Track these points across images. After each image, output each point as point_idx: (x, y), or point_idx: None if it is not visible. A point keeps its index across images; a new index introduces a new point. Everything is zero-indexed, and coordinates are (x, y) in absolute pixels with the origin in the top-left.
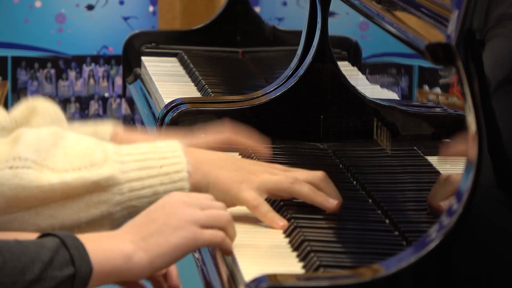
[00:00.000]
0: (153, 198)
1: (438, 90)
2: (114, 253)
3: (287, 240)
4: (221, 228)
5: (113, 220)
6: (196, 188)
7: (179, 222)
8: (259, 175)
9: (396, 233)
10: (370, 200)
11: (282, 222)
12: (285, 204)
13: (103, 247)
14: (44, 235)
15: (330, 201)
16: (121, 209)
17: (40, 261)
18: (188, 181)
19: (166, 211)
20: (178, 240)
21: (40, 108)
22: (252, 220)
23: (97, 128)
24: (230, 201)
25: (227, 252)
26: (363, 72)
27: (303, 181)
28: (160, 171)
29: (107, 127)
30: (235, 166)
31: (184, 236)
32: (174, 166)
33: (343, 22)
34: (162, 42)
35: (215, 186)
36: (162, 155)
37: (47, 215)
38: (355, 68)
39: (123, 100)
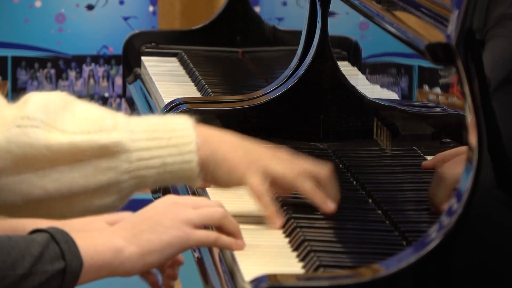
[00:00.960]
0: (161, 169)
1: (438, 90)
2: (105, 247)
3: (287, 240)
4: (217, 225)
5: (120, 190)
6: (203, 163)
7: (171, 222)
8: (266, 160)
9: (396, 233)
10: (370, 200)
11: (280, 221)
12: (285, 203)
13: (93, 242)
14: (34, 231)
15: (328, 203)
16: (128, 178)
17: (30, 255)
18: (197, 154)
19: (159, 211)
20: (169, 238)
21: None
22: (252, 219)
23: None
24: (235, 182)
25: (227, 248)
26: (363, 72)
27: (307, 174)
28: (168, 142)
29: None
30: (243, 147)
31: (176, 235)
32: (183, 138)
33: (343, 22)
34: (162, 42)
35: (222, 164)
36: (171, 127)
37: (54, 178)
38: (355, 68)
39: (123, 100)
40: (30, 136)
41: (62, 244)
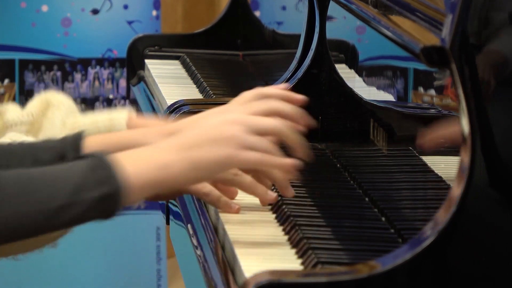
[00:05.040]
0: None
1: (432, 92)
2: (156, 164)
3: (286, 237)
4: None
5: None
6: None
7: (223, 140)
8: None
9: (392, 230)
10: (366, 199)
11: (237, 206)
12: (284, 202)
13: (142, 159)
14: (80, 157)
15: (269, 193)
16: None
17: (71, 184)
18: None
19: (213, 126)
20: (219, 156)
21: (54, 101)
22: (252, 218)
23: (112, 115)
24: (182, 188)
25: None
26: (360, 75)
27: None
28: None
29: (123, 114)
30: None
31: (225, 154)
32: None
33: (340, 26)
34: (165, 45)
35: None
36: None
37: None
38: (352, 70)
39: (127, 101)
40: None
41: (107, 168)
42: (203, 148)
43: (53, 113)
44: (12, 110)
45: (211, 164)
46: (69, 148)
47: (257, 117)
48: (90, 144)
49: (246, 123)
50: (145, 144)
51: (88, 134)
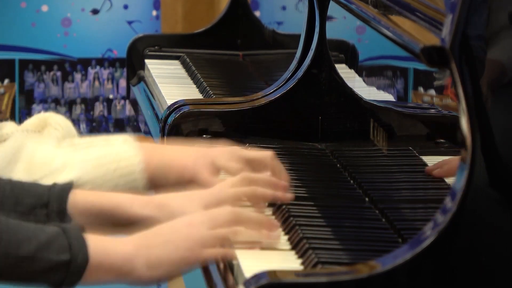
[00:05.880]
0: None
1: (432, 92)
2: (116, 252)
3: (286, 237)
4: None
5: None
6: (153, 178)
7: (183, 242)
8: (212, 153)
9: (392, 230)
10: (366, 199)
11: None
12: (284, 202)
13: (105, 244)
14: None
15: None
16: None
17: (37, 240)
18: (142, 180)
19: (174, 229)
20: (177, 258)
21: (51, 121)
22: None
23: (109, 139)
24: (187, 179)
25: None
26: (360, 75)
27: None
28: (113, 174)
29: (119, 138)
30: (185, 150)
31: (184, 256)
32: (127, 168)
33: (340, 26)
34: (165, 45)
35: (170, 170)
36: (118, 157)
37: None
38: (352, 70)
39: (127, 101)
40: None
41: (72, 239)
42: (165, 250)
43: (49, 132)
44: (9, 125)
45: (170, 265)
46: (53, 198)
47: (214, 213)
48: (76, 198)
49: (206, 224)
50: (130, 211)
51: (85, 159)
